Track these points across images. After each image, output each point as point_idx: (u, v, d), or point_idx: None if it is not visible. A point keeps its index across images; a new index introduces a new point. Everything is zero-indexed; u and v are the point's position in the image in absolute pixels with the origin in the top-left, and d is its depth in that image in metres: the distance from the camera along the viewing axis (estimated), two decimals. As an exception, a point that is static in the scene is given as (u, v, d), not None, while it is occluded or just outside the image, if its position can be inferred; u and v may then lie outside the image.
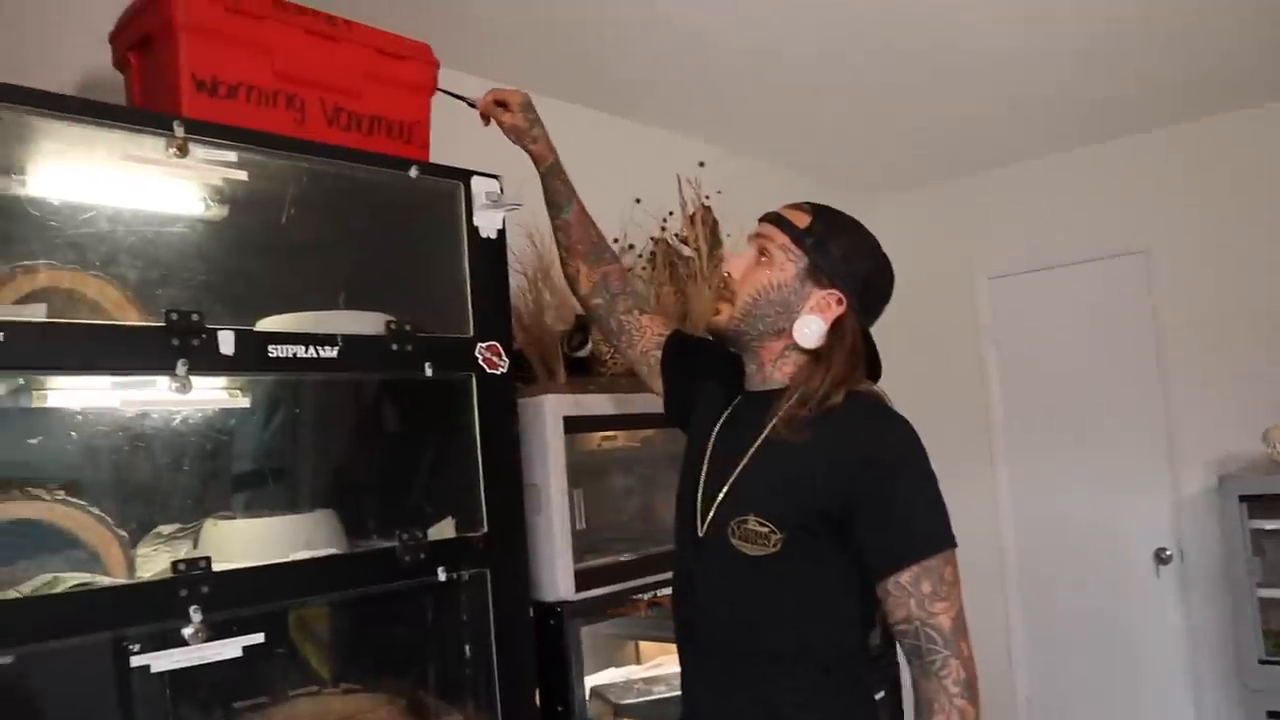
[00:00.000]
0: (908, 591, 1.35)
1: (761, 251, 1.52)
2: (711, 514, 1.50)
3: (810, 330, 1.47)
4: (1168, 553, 3.92)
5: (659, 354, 1.80)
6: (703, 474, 1.55)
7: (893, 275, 1.55)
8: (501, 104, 1.87)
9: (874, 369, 1.54)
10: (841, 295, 1.48)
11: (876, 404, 1.47)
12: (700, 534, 1.51)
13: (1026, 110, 3.60)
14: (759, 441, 1.48)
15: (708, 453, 1.57)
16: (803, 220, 1.51)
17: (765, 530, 1.42)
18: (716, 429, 1.59)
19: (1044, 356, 4.28)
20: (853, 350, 1.48)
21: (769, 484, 1.45)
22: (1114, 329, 4.08)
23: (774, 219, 1.54)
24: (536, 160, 1.88)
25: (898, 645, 1.42)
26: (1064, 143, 4.07)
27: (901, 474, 1.39)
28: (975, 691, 1.33)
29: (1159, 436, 3.95)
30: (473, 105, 1.90)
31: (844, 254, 1.49)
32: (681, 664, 1.61)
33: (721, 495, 1.49)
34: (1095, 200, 4.11)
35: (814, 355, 1.49)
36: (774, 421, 1.46)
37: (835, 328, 1.48)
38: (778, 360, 1.53)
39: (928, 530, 1.38)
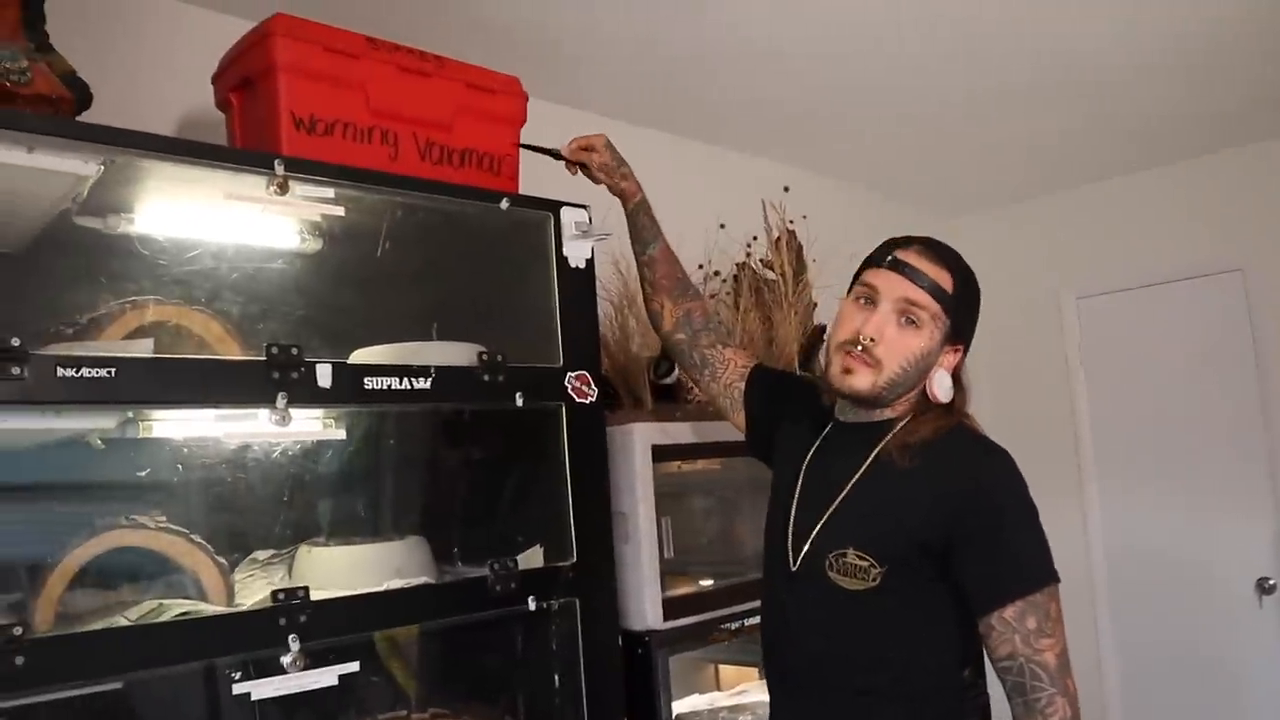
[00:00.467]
0: (1012, 627, 1.32)
1: (906, 315, 1.45)
2: (806, 547, 1.48)
3: (946, 387, 1.48)
4: (1271, 583, 3.76)
5: (742, 385, 1.79)
6: (793, 507, 1.54)
7: None
8: (587, 148, 1.87)
9: None
10: (961, 346, 1.50)
11: (977, 434, 1.47)
12: (793, 568, 1.50)
13: (1116, 126, 3.51)
14: (863, 469, 1.47)
15: (798, 485, 1.55)
16: (947, 281, 1.46)
17: (865, 564, 1.40)
18: (806, 461, 1.57)
19: (1135, 378, 4.14)
20: (966, 389, 1.50)
21: (871, 514, 1.44)
22: (1210, 349, 3.94)
23: (916, 277, 1.45)
24: (626, 197, 1.88)
25: (993, 678, 1.40)
26: (1155, 158, 3.96)
27: (1006, 507, 1.37)
28: None
29: (1259, 460, 3.79)
30: (558, 156, 1.88)
31: (973, 310, 1.51)
32: (770, 696, 1.60)
33: (818, 528, 1.47)
34: (1188, 217, 3.98)
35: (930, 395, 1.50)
36: (886, 440, 1.46)
37: (954, 372, 1.50)
38: (892, 403, 1.51)
39: (1032, 565, 1.36)
